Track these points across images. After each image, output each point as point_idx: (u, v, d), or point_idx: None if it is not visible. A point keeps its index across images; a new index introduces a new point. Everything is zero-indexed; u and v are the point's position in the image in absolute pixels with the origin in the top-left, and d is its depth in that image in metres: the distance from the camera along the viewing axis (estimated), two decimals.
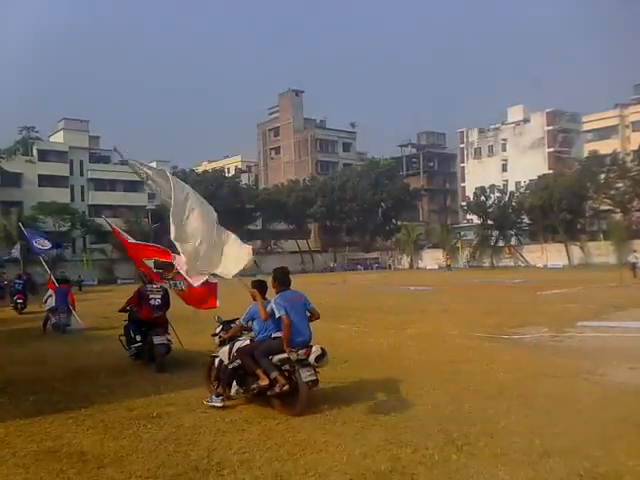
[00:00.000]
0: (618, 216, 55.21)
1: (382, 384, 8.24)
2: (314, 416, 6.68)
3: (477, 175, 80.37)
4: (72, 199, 62.11)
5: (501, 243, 60.98)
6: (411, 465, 5.12)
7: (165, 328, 10.35)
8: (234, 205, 60.85)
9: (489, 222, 60.77)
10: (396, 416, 6.60)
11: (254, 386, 6.96)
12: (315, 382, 6.89)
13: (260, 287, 7.33)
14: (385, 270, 64.79)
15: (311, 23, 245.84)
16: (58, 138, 65.33)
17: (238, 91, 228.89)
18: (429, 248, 67.51)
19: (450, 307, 19.34)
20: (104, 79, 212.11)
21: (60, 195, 58.80)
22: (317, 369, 6.92)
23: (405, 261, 68.13)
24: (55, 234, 52.39)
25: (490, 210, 60.38)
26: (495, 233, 60.82)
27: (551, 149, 76.37)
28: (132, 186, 67.52)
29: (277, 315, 6.83)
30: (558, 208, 53.94)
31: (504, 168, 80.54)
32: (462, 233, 68.66)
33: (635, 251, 35.28)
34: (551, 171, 64.76)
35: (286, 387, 6.67)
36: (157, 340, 9.78)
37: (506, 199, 60.25)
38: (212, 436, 6.10)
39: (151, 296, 10.38)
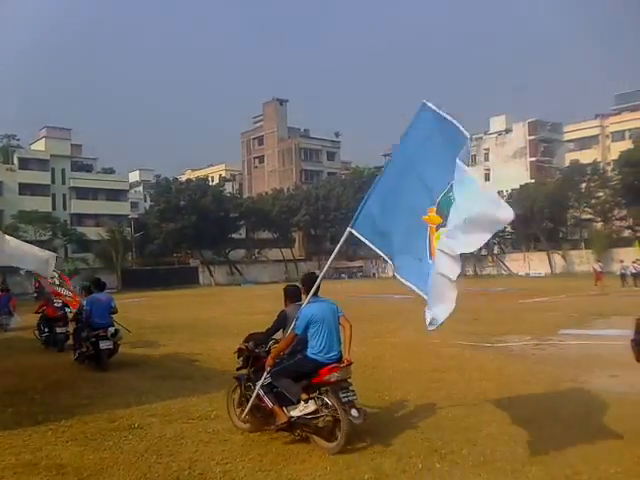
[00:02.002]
0: (599, 225, 55.92)
1: (365, 393, 8.21)
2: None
3: None
4: (54, 208, 61.39)
5: (484, 252, 61.40)
6: (395, 474, 5.11)
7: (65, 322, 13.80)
8: (218, 214, 60.62)
9: None
10: (379, 425, 6.59)
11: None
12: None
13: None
14: (369, 278, 64.86)
15: (296, 33, 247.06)
16: (39, 146, 64.64)
17: (222, 100, 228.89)
18: None
19: None
20: (87, 88, 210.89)
21: (41, 204, 58.10)
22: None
23: (389, 269, 68.20)
24: (36, 243, 51.86)
25: None
26: None
27: (533, 158, 77.13)
28: (115, 195, 67.01)
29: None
30: (540, 217, 54.55)
31: (487, 177, 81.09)
32: None
33: (622, 261, 35.75)
34: (533, 180, 65.39)
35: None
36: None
37: None
38: (194, 447, 6.04)
39: (55, 302, 14.40)
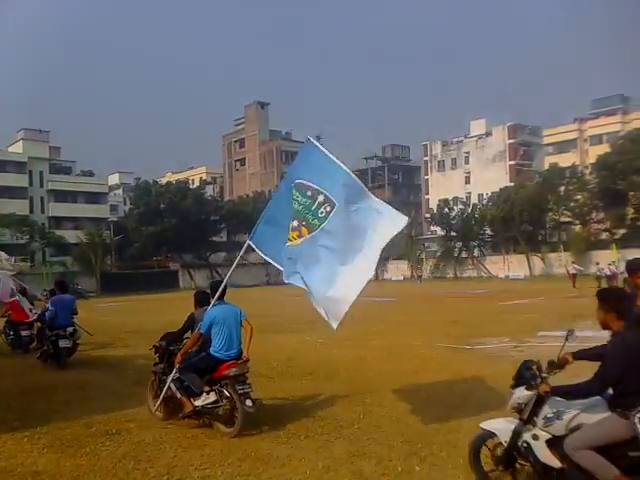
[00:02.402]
0: (577, 228, 56.59)
1: (346, 396, 8.22)
2: (277, 430, 6.62)
3: (440, 187, 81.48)
4: (31, 211, 60.58)
5: (464, 254, 61.87)
6: (374, 477, 5.11)
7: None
8: (198, 217, 60.37)
9: (452, 234, 61.65)
10: (360, 428, 6.58)
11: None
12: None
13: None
14: None
15: (279, 34, 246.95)
16: (17, 148, 63.81)
17: (204, 102, 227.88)
18: (394, 259, 67.95)
19: (414, 318, 19.47)
20: (66, 89, 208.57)
21: (19, 207, 57.24)
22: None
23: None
24: (13, 246, 51.15)
25: (453, 222, 61.31)
26: (458, 244, 61.70)
27: (512, 162, 77.94)
28: (94, 198, 66.37)
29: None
30: (519, 220, 55.07)
31: (467, 180, 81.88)
32: (426, 244, 69.41)
33: (598, 263, 36.22)
34: (512, 184, 66.05)
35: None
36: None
37: (469, 211, 61.31)
38: (173, 452, 5.98)
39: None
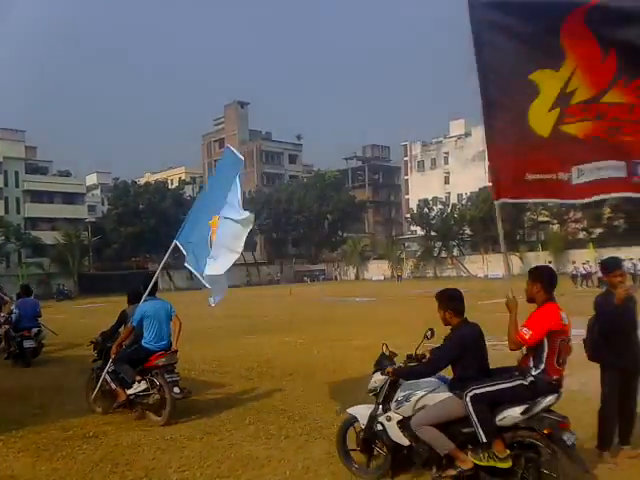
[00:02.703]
0: (555, 227, 57.31)
1: (326, 397, 8.22)
2: (257, 431, 6.60)
3: (420, 187, 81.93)
4: (6, 211, 59.55)
5: (444, 254, 62.25)
6: (354, 478, 5.10)
7: None
8: (178, 217, 59.70)
9: (432, 233, 62.00)
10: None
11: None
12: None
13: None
14: (331, 281, 65.00)
15: (260, 33, 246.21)
16: None
17: (183, 102, 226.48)
18: (374, 259, 68.22)
19: (395, 317, 19.53)
20: (43, 88, 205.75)
21: None
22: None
23: (351, 272, 68.59)
24: None
25: (433, 222, 61.66)
26: (438, 244, 62.06)
27: None
28: (71, 198, 65.54)
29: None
30: None
31: (446, 180, 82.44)
32: (406, 244, 69.77)
33: (574, 262, 36.72)
34: (491, 184, 66.53)
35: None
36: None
37: (448, 211, 61.71)
38: (151, 454, 5.92)
39: None
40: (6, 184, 61.32)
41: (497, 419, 4.28)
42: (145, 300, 7.55)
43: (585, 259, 36.68)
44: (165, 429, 6.79)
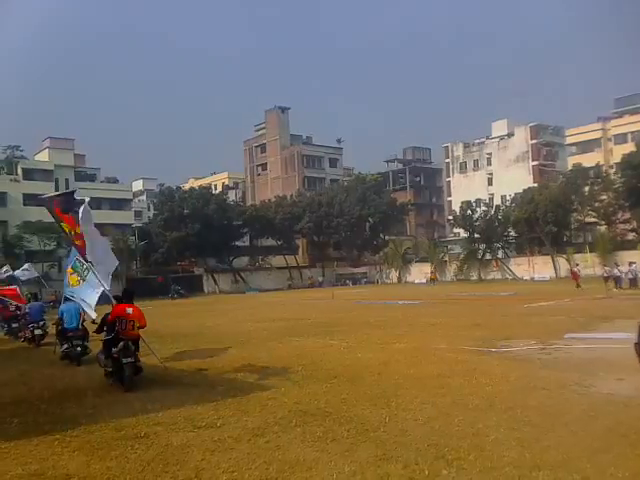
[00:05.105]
0: (603, 228, 55.73)
1: (371, 399, 8.21)
2: (303, 434, 6.64)
3: (463, 189, 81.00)
4: None
5: (488, 256, 61.20)
6: None
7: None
8: (221, 222, 60.70)
9: (476, 235, 61.04)
10: (386, 432, 6.57)
11: None
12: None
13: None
14: (373, 285, 64.77)
15: (298, 38, 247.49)
16: (43, 157, 64.94)
17: (225, 107, 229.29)
18: (417, 262, 67.59)
19: (438, 321, 19.35)
20: (90, 97, 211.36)
21: (46, 214, 57.57)
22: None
23: (393, 275, 68.15)
24: (41, 253, 51.98)
25: (476, 224, 60.71)
26: (482, 246, 61.05)
27: (535, 162, 77.14)
28: (118, 204, 67.19)
29: None
30: (544, 221, 54.37)
31: (489, 182, 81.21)
32: (449, 247, 68.87)
33: (617, 264, 35.64)
34: (536, 184, 65.29)
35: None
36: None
37: (492, 212, 60.64)
38: (200, 455, 6.03)
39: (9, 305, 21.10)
40: (57, 191, 63.30)
41: None
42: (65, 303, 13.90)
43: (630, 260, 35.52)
44: (213, 431, 6.91)
